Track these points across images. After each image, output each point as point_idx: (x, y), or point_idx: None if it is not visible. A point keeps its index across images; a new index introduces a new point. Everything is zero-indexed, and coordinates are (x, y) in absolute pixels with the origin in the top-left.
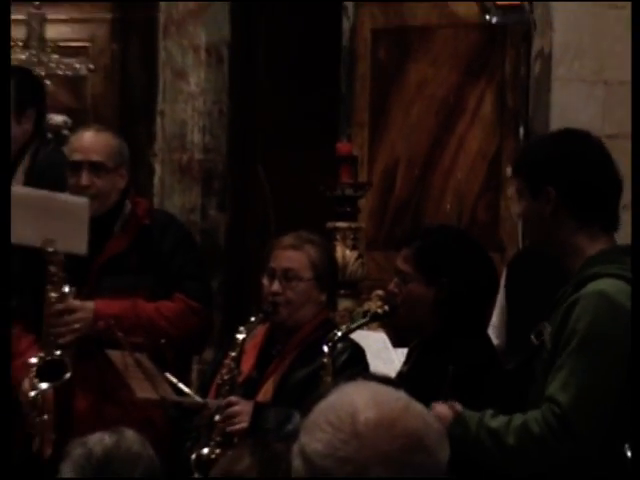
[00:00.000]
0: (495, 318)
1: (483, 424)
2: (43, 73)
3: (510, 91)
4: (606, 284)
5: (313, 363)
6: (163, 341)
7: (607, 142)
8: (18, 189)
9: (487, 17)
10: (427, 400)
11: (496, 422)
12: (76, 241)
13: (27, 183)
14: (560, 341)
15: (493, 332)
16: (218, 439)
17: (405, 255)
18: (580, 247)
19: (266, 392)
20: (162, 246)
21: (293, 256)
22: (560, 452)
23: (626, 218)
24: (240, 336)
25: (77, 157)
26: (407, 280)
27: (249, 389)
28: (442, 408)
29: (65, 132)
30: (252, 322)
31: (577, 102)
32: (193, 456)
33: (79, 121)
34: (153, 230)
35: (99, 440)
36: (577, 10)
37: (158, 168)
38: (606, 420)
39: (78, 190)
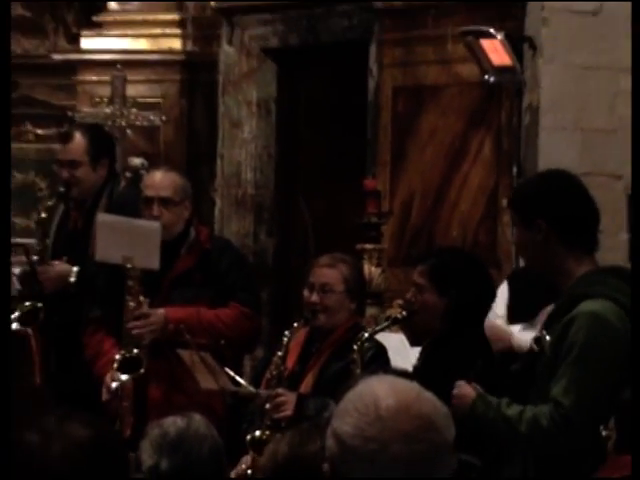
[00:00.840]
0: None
1: (500, 410)
2: (124, 124)
3: (505, 137)
4: (598, 305)
5: (345, 359)
6: (223, 342)
7: (584, 178)
8: (103, 216)
9: (486, 77)
10: (437, 386)
11: (511, 410)
12: (150, 259)
13: None
14: (560, 351)
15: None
16: (268, 423)
17: (420, 270)
18: (569, 269)
19: (307, 384)
20: (220, 265)
21: (329, 273)
22: (561, 443)
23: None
24: (285, 338)
25: (149, 193)
26: (422, 291)
27: (293, 382)
28: (466, 387)
29: (142, 172)
30: (295, 326)
31: (560, 146)
32: (248, 437)
33: (153, 163)
34: (213, 252)
35: (173, 422)
36: (559, 71)
37: (218, 201)
38: (600, 418)
39: (151, 220)
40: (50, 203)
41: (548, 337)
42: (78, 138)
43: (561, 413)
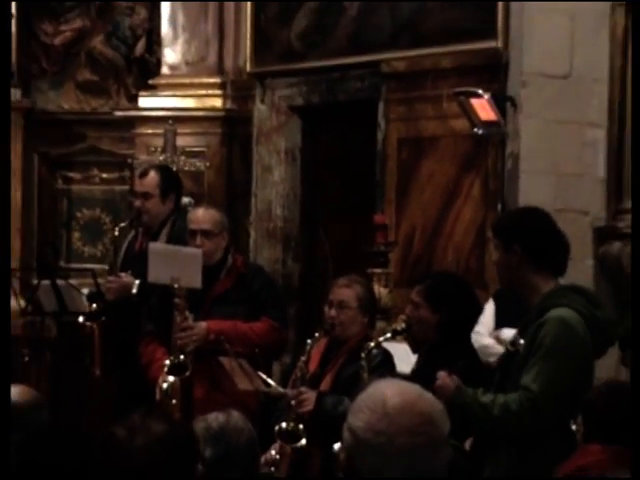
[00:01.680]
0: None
1: (476, 397)
2: (175, 169)
3: (491, 179)
4: (564, 312)
5: (358, 364)
6: (256, 350)
7: (557, 214)
8: (154, 244)
9: (475, 130)
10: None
11: (485, 397)
12: (194, 279)
13: (168, 242)
14: (531, 350)
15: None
16: (293, 416)
17: (418, 290)
18: (537, 286)
19: (325, 384)
20: (253, 286)
21: (345, 292)
22: (529, 424)
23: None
24: (308, 346)
25: (193, 226)
26: (418, 308)
27: (314, 382)
28: (447, 378)
29: (189, 209)
30: (316, 337)
31: (537, 187)
32: (276, 428)
33: (199, 202)
34: (247, 275)
35: (215, 418)
36: (536, 125)
37: (253, 233)
38: (562, 404)
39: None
40: (123, 224)
41: (522, 340)
42: (152, 175)
43: (529, 397)
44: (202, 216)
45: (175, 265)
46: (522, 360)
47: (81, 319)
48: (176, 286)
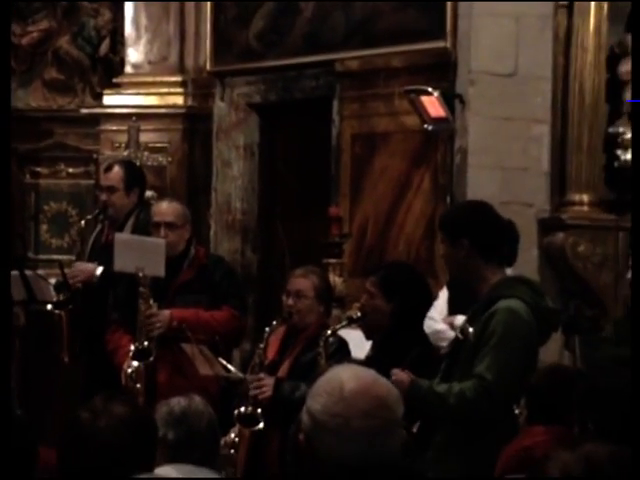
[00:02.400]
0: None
1: (432, 388)
2: (138, 164)
3: (441, 174)
4: (512, 303)
5: (315, 351)
6: (217, 338)
7: (503, 206)
8: (119, 235)
9: (425, 126)
10: (387, 372)
11: (441, 388)
12: (157, 268)
13: (133, 234)
14: (482, 339)
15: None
16: (252, 401)
17: (371, 280)
18: (485, 277)
19: (283, 371)
20: (215, 276)
21: (302, 282)
22: (482, 411)
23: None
24: (266, 334)
25: (157, 219)
26: (373, 297)
27: (272, 369)
28: (401, 374)
29: (152, 202)
30: (274, 325)
31: (484, 181)
32: (236, 412)
33: (161, 195)
34: (209, 266)
35: (177, 402)
36: (483, 122)
37: (213, 225)
38: (514, 391)
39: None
40: (89, 217)
41: (471, 329)
42: (117, 169)
43: (484, 385)
44: (166, 209)
45: (140, 255)
46: (473, 349)
47: (49, 307)
48: (141, 275)
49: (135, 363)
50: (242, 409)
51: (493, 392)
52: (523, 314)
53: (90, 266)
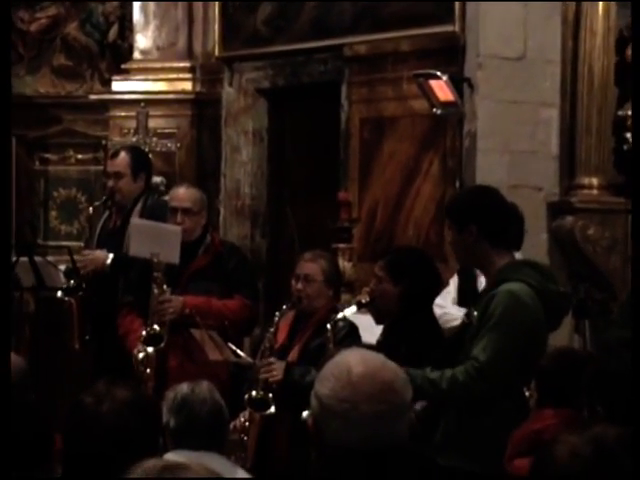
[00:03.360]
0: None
1: (425, 375)
2: (147, 149)
3: (449, 158)
4: (514, 286)
5: (324, 335)
6: (227, 323)
7: (511, 190)
8: (136, 219)
9: (434, 110)
10: (396, 356)
11: (434, 374)
12: (172, 255)
13: (141, 219)
14: (482, 321)
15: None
16: (262, 386)
17: (380, 265)
18: (493, 262)
19: (293, 355)
20: (228, 265)
21: (311, 266)
22: (476, 392)
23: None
24: (276, 318)
25: (174, 204)
26: (381, 281)
27: (282, 353)
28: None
29: (161, 188)
30: (284, 309)
31: (493, 165)
32: (246, 397)
33: (170, 181)
34: (224, 254)
35: (180, 389)
36: (492, 106)
37: (222, 210)
38: (510, 372)
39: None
40: (97, 203)
41: (475, 312)
42: (123, 155)
43: (475, 367)
44: (183, 194)
45: (155, 241)
46: (474, 331)
47: (59, 294)
48: (155, 261)
49: (146, 348)
50: (253, 393)
51: (485, 373)
52: (524, 297)
53: (101, 255)
